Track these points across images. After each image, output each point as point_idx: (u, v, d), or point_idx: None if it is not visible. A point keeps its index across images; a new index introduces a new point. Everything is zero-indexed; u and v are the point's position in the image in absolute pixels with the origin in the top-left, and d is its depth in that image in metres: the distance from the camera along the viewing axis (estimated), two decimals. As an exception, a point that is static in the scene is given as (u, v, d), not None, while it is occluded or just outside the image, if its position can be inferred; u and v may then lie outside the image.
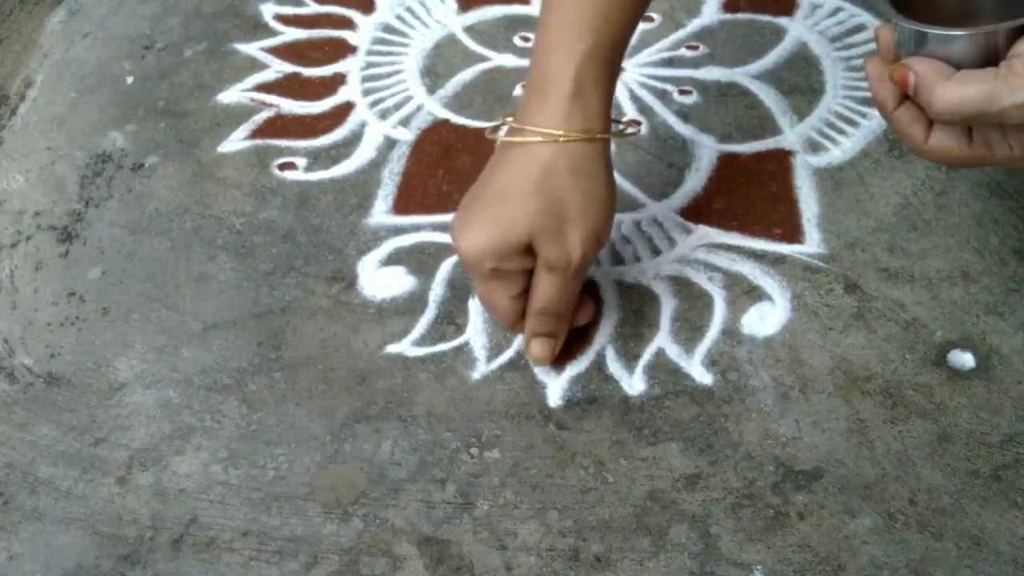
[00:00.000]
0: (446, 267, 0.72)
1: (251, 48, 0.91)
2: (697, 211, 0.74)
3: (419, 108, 0.84)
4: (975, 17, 0.54)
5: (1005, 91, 0.47)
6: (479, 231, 0.59)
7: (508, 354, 0.66)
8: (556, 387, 0.65)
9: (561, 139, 0.59)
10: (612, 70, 0.61)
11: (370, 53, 0.90)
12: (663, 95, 0.83)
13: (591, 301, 0.67)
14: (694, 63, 0.86)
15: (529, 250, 0.60)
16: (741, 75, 0.85)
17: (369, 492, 0.60)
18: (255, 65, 0.89)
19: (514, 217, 0.59)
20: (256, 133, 0.83)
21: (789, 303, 0.68)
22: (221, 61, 0.90)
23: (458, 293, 0.70)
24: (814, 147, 0.78)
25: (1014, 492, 0.58)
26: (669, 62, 0.87)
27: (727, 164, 0.77)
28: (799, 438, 0.61)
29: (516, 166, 0.60)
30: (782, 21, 0.89)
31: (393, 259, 0.73)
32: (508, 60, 0.88)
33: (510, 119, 0.61)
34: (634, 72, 0.86)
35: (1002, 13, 0.51)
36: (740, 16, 0.90)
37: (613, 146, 0.79)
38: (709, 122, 0.81)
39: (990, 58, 0.49)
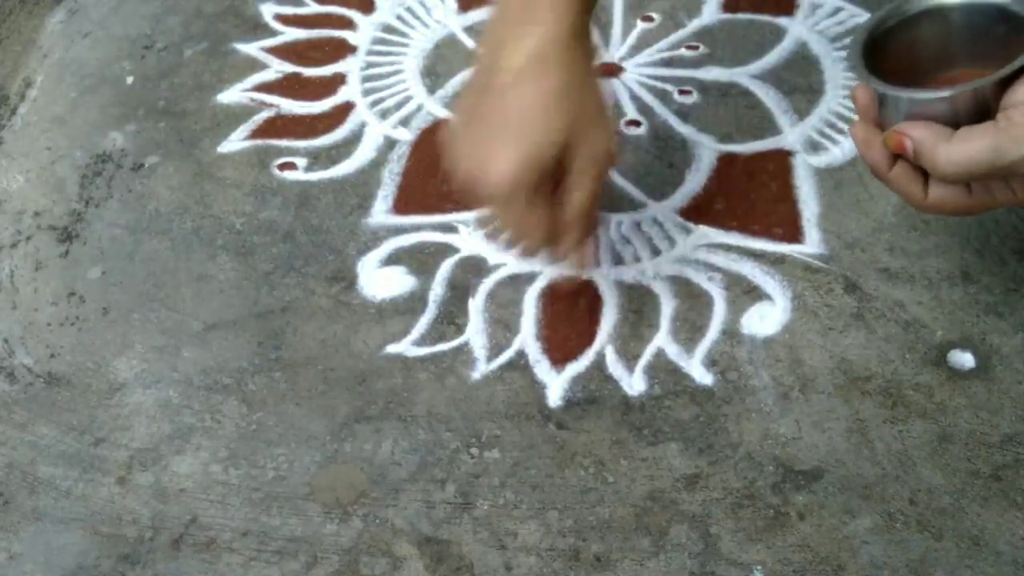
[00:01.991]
0: (446, 267, 0.72)
1: (251, 48, 0.91)
2: (697, 211, 0.74)
3: (419, 108, 0.84)
4: (950, 63, 0.53)
5: (1010, 144, 0.47)
6: (510, 151, 0.56)
7: (508, 354, 0.66)
8: (556, 387, 0.65)
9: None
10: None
11: (370, 53, 0.90)
12: (663, 95, 0.83)
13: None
14: (694, 63, 0.86)
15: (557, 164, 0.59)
16: (741, 75, 0.85)
17: (369, 492, 0.60)
18: (255, 65, 0.89)
19: (548, 127, 0.57)
20: (256, 133, 0.83)
21: (789, 303, 0.68)
22: (221, 61, 0.90)
23: (458, 293, 0.70)
24: (814, 147, 0.78)
25: (1014, 492, 0.58)
26: (669, 62, 0.87)
27: (727, 164, 0.77)
28: (799, 438, 0.61)
29: (531, 80, 0.57)
30: (782, 21, 0.89)
31: (393, 259, 0.73)
32: (508, 60, 0.88)
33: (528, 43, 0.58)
34: (634, 72, 0.86)
35: (975, 56, 0.51)
36: (740, 16, 0.90)
37: (613, 146, 0.79)
38: (709, 122, 0.81)
39: (980, 111, 0.48)
